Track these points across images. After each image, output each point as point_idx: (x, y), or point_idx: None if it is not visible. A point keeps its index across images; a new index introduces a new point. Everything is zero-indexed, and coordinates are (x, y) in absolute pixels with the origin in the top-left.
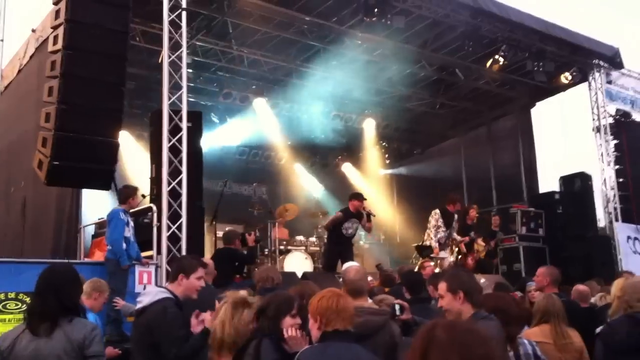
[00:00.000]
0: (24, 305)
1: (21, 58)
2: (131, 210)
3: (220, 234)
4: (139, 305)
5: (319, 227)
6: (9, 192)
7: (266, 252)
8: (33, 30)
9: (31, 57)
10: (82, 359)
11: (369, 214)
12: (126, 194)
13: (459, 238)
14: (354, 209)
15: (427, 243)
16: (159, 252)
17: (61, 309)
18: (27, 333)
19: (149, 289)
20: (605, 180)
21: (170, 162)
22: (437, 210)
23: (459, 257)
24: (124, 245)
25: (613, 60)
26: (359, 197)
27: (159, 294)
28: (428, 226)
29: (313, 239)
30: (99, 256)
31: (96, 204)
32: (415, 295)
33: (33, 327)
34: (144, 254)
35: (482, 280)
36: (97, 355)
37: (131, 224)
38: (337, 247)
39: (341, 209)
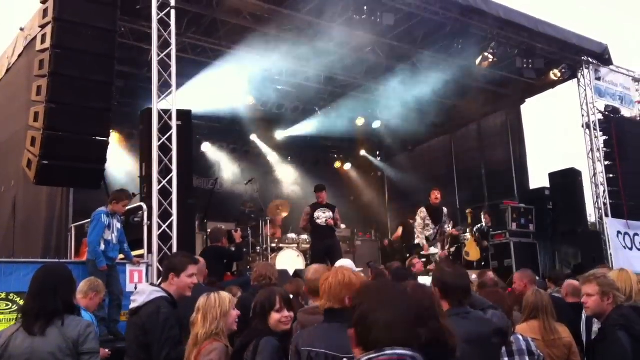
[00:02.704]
0: (15, 305)
1: (10, 57)
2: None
3: None
4: (133, 305)
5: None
6: None
7: (258, 250)
8: (21, 29)
9: (20, 55)
10: (77, 356)
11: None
12: (112, 196)
13: (448, 230)
14: (320, 200)
15: (417, 242)
16: (149, 251)
17: (57, 308)
18: (22, 331)
19: (143, 287)
20: (595, 176)
21: (160, 161)
22: (423, 208)
23: (450, 248)
24: (102, 247)
25: (602, 57)
26: (318, 188)
27: (153, 293)
28: (415, 225)
29: (305, 236)
30: None
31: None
32: None
33: (28, 326)
34: (134, 253)
35: (473, 277)
36: (91, 352)
37: (116, 225)
38: (318, 241)
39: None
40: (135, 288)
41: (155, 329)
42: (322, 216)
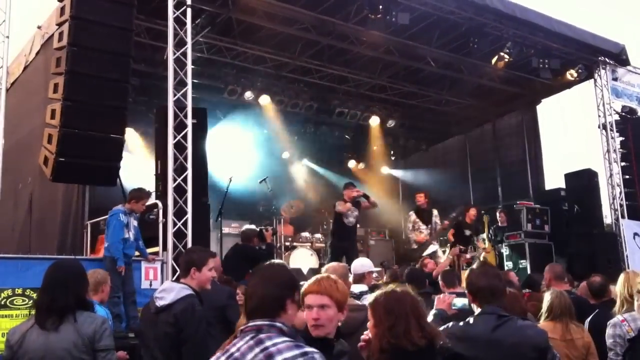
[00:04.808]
0: (31, 301)
1: (27, 54)
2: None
3: (225, 230)
4: (161, 302)
5: (324, 224)
6: (17, 189)
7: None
8: (39, 27)
9: (37, 53)
10: (93, 352)
11: (362, 196)
12: (131, 195)
13: (439, 224)
14: (349, 198)
15: (414, 247)
16: (164, 248)
17: (70, 304)
18: (37, 327)
19: (169, 285)
20: (611, 176)
21: (176, 159)
22: (411, 212)
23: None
24: (121, 245)
25: (619, 57)
26: (350, 185)
27: (182, 290)
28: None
29: (318, 235)
30: None
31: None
32: (417, 290)
33: (41, 321)
34: (149, 251)
35: None
36: (107, 348)
37: (133, 224)
38: (340, 240)
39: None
40: (150, 285)
41: (191, 326)
42: (351, 216)
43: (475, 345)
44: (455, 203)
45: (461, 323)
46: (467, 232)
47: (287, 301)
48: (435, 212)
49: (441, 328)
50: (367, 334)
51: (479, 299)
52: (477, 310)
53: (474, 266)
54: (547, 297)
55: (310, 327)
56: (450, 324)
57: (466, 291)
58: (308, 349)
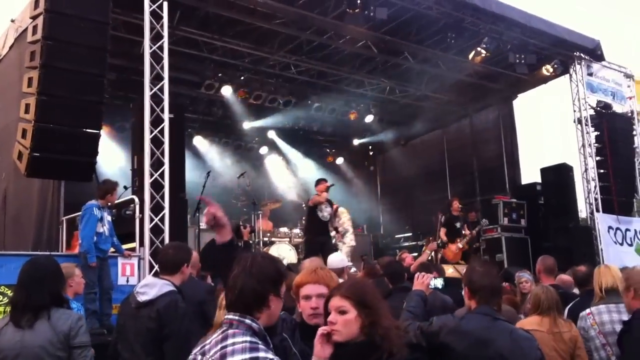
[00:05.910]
0: (6, 297)
1: (0, 49)
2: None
3: (203, 226)
4: (143, 297)
5: (304, 219)
6: None
7: (250, 243)
8: (12, 21)
9: (11, 47)
10: (68, 349)
11: (329, 186)
12: (104, 190)
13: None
14: (321, 191)
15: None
16: (141, 244)
17: (45, 301)
18: (11, 325)
19: (152, 280)
20: (586, 171)
21: (152, 154)
22: None
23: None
24: (94, 239)
25: (594, 52)
26: (321, 180)
27: (165, 286)
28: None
29: (297, 230)
30: None
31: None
32: (396, 284)
33: (15, 318)
34: (126, 247)
35: (450, 270)
36: (83, 345)
37: (107, 218)
38: (316, 236)
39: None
40: (127, 281)
41: (175, 322)
42: (325, 211)
43: (464, 339)
44: (433, 197)
45: (457, 317)
46: (458, 225)
47: (269, 297)
48: (340, 210)
49: (435, 318)
50: (329, 328)
51: (478, 297)
52: (472, 306)
53: (475, 264)
54: (533, 292)
55: (308, 317)
56: (445, 316)
57: (464, 287)
58: (262, 354)
